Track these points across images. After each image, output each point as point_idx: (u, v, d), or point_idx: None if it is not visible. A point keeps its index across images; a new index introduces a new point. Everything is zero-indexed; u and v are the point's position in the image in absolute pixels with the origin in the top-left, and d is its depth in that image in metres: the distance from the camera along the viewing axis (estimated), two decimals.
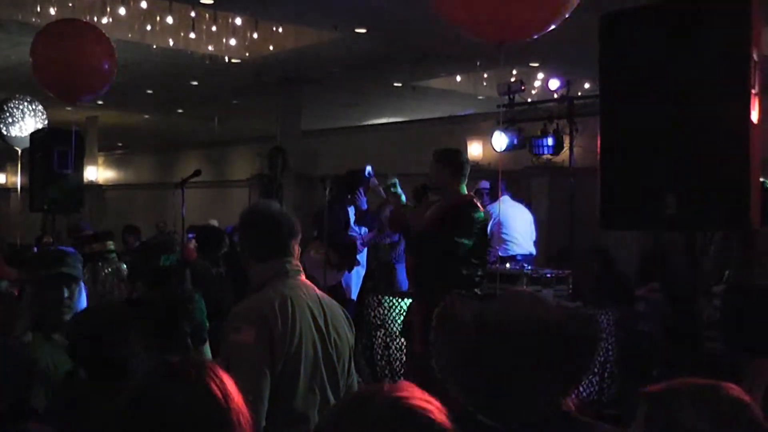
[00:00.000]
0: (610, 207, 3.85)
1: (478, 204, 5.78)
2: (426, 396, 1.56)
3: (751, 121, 3.43)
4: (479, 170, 13.48)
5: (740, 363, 7.07)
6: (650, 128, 3.63)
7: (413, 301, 6.03)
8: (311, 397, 3.13)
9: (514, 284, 6.85)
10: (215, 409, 1.74)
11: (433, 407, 1.54)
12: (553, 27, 4.58)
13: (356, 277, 8.66)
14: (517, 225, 9.67)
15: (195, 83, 16.65)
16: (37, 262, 3.91)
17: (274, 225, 3.26)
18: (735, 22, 3.46)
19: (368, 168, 8.54)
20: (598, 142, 3.93)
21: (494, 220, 8.61)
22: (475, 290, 5.73)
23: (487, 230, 5.99)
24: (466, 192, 5.76)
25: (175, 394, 1.73)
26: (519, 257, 9.27)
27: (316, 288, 3.37)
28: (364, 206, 8.50)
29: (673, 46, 3.56)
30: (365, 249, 8.69)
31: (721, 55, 3.46)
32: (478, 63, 12.47)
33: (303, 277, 3.31)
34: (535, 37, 4.70)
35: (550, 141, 9.90)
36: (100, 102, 17.30)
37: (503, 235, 9.39)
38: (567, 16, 4.53)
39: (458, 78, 16.54)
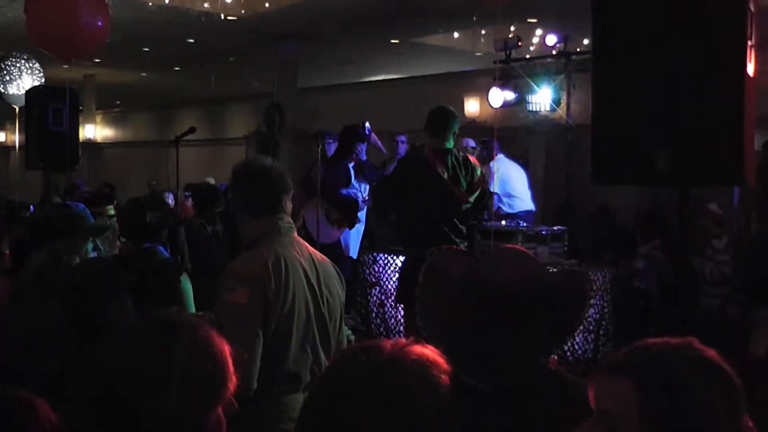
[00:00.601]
0: (602, 162, 3.84)
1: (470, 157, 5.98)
2: (425, 351, 1.51)
3: (747, 74, 3.41)
4: (476, 127, 13.47)
5: (743, 318, 7.14)
6: (643, 82, 3.60)
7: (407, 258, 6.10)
8: (303, 357, 3.15)
9: (509, 241, 6.83)
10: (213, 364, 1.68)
11: (432, 364, 1.49)
12: None
13: (356, 235, 8.67)
14: (517, 183, 9.65)
15: (191, 41, 16.52)
16: None
17: (266, 180, 3.24)
18: None
19: (367, 124, 8.53)
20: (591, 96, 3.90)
21: (499, 178, 8.57)
22: (463, 244, 5.87)
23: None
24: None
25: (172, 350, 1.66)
26: (522, 213, 9.27)
27: (308, 245, 3.37)
28: (364, 157, 8.51)
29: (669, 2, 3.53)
30: (365, 206, 8.70)
31: (717, 6, 3.42)
32: (474, 18, 12.34)
33: (295, 234, 3.32)
34: None
35: (547, 97, 9.85)
36: (97, 60, 17.17)
37: (510, 191, 9.39)
38: None
39: (456, 35, 16.40)
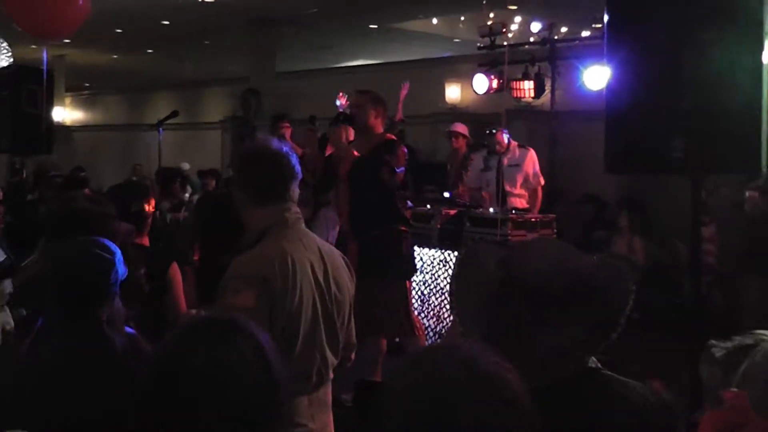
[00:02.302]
0: (615, 151, 3.75)
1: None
2: (498, 359, 1.50)
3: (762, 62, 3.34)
4: (458, 114, 13.38)
5: (726, 304, 7.13)
6: (657, 70, 3.52)
7: (347, 238, 6.04)
8: (310, 358, 2.99)
9: (498, 228, 6.77)
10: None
11: (509, 373, 1.49)
12: None
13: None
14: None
15: (166, 22, 16.28)
16: None
17: (275, 165, 3.04)
18: None
19: (337, 101, 8.43)
20: (602, 84, 3.80)
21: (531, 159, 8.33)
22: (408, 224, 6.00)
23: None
24: None
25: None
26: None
27: (315, 237, 3.21)
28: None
29: None
30: None
31: None
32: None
33: (303, 224, 3.15)
34: None
35: (531, 84, 9.78)
36: (67, 40, 16.87)
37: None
38: None
39: (434, 20, 16.31)
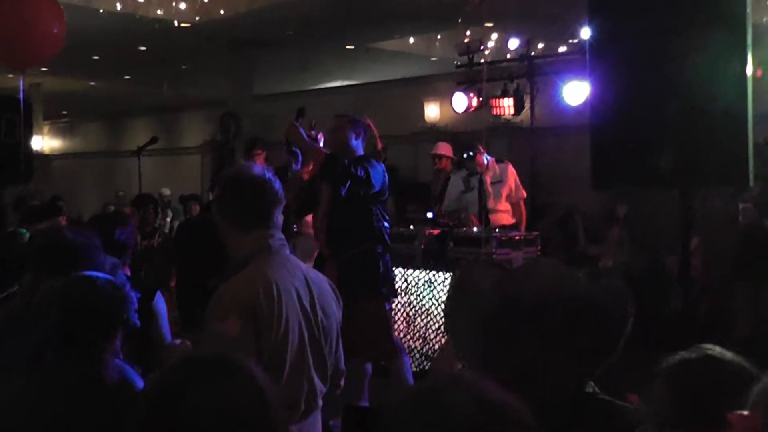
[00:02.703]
0: (602, 165, 3.73)
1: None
2: (503, 390, 1.47)
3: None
4: (438, 132, 13.39)
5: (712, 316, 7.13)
6: (640, 83, 3.51)
7: (325, 261, 5.92)
8: (297, 386, 2.95)
9: (482, 247, 6.75)
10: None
11: (517, 403, 1.46)
12: None
13: None
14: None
15: (143, 48, 16.24)
16: None
17: (258, 191, 3.00)
18: None
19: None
20: (587, 97, 3.79)
21: (511, 173, 8.34)
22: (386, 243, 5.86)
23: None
24: None
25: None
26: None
27: (301, 264, 3.17)
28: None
29: None
30: None
31: (716, 6, 3.34)
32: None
33: (287, 251, 3.11)
34: None
35: (510, 101, 9.78)
36: (44, 69, 16.77)
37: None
38: None
39: (411, 39, 16.35)
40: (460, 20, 11.74)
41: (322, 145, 6.36)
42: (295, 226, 6.40)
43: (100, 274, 2.84)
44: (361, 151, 5.94)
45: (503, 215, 8.11)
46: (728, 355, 1.85)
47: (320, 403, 3.09)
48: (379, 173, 5.73)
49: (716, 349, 1.87)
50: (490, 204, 8.15)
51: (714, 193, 7.11)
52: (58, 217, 7.14)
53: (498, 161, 8.36)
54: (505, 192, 8.20)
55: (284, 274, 3.00)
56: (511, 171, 8.30)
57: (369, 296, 5.74)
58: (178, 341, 3.38)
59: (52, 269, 3.19)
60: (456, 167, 9.13)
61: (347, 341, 5.41)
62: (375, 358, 6.06)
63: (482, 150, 8.39)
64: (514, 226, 7.80)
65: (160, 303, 4.49)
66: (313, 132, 7.73)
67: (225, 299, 2.91)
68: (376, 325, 5.78)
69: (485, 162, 8.24)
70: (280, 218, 3.06)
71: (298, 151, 5.70)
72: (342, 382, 3.31)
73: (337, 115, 6.08)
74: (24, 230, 4.59)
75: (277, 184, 3.05)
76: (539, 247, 7.28)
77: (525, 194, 8.36)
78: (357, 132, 5.92)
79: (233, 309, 2.85)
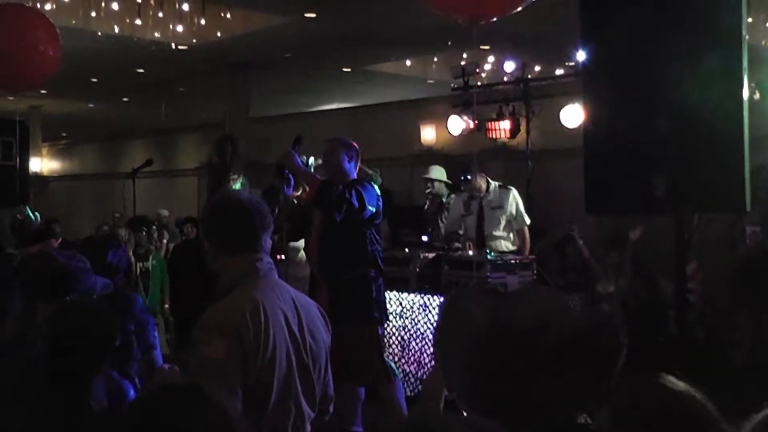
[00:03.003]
0: (596, 191, 3.71)
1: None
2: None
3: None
4: (433, 155, 13.38)
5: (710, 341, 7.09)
6: (635, 107, 3.49)
7: (317, 286, 5.91)
8: (285, 411, 2.93)
9: (478, 271, 6.73)
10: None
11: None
12: (526, 3, 4.42)
13: None
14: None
15: (141, 71, 16.28)
16: None
17: (245, 215, 3.01)
18: None
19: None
20: (582, 120, 3.78)
21: (514, 199, 8.31)
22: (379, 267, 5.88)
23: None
24: None
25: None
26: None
27: (289, 288, 3.16)
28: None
29: (660, 19, 3.43)
30: None
31: (711, 28, 3.33)
32: (449, 42, 12.30)
33: (276, 274, 3.11)
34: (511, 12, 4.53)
35: (507, 124, 9.79)
36: (43, 91, 16.83)
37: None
38: None
39: (408, 62, 16.40)
40: (450, 43, 11.77)
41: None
42: (280, 255, 6.37)
43: (89, 301, 2.84)
44: (354, 174, 5.95)
45: (502, 241, 8.09)
46: (681, 385, 1.82)
47: (308, 428, 3.07)
48: (373, 196, 5.74)
49: (668, 378, 1.84)
50: (487, 229, 8.14)
51: (713, 217, 7.10)
52: (52, 239, 7.14)
53: (502, 186, 8.34)
54: (503, 218, 8.18)
55: (272, 297, 2.99)
56: (514, 197, 8.29)
57: (361, 320, 5.73)
58: (167, 366, 3.37)
59: (45, 294, 3.21)
60: (458, 189, 9.13)
61: (339, 365, 5.43)
62: (367, 383, 6.03)
63: (482, 174, 8.39)
64: (505, 252, 7.77)
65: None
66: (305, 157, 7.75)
67: (211, 322, 2.90)
68: (368, 350, 5.76)
69: (484, 186, 8.23)
70: (268, 242, 3.07)
71: (290, 175, 5.71)
72: (331, 408, 3.29)
73: (330, 139, 6.10)
74: (17, 252, 4.60)
75: (266, 209, 3.06)
76: (535, 271, 7.24)
77: (528, 221, 8.34)
78: (350, 155, 5.94)
79: (219, 332, 2.83)
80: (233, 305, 2.91)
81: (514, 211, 8.24)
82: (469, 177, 8.28)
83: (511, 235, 8.29)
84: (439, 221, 9.17)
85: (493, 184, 8.40)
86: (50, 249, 6.67)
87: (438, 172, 9.84)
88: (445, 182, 9.81)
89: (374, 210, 5.74)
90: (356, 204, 5.53)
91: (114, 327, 2.83)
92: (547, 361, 1.91)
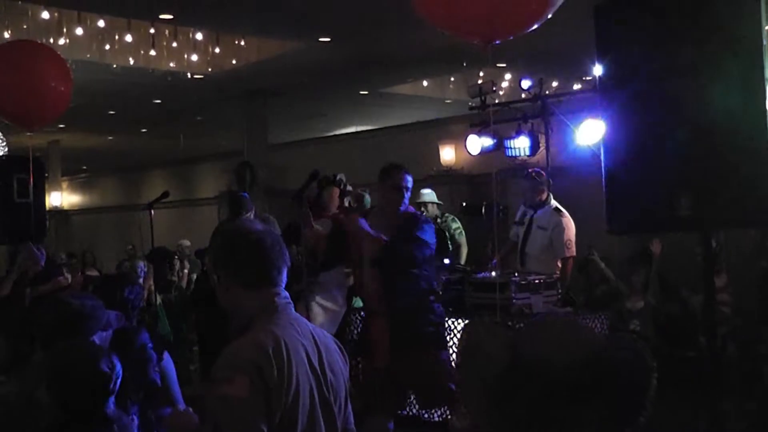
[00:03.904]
0: (618, 209, 3.58)
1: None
2: None
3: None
4: (453, 175, 13.29)
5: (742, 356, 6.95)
6: (655, 123, 3.37)
7: (374, 316, 5.92)
8: None
9: (502, 293, 6.57)
10: None
11: None
12: (541, 22, 4.32)
13: None
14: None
15: (158, 101, 16.34)
16: None
17: (263, 248, 2.91)
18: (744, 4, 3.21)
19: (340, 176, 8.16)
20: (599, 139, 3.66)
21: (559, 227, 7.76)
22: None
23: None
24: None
25: None
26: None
27: (307, 322, 3.06)
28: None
29: (677, 31, 3.31)
30: None
31: (730, 38, 3.20)
32: (464, 63, 12.24)
33: (293, 309, 3.00)
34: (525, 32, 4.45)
35: (526, 141, 9.65)
36: (61, 125, 16.92)
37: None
38: (554, 11, 4.27)
39: (425, 83, 16.35)
40: (465, 63, 11.70)
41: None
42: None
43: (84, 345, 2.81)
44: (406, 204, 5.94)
45: (539, 263, 7.69)
46: None
47: None
48: (431, 233, 5.88)
49: None
50: (528, 247, 7.90)
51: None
52: (60, 276, 7.10)
53: (556, 210, 7.94)
54: (544, 242, 7.81)
55: (292, 333, 2.89)
56: (562, 224, 7.79)
57: (428, 346, 5.77)
58: (182, 408, 3.28)
59: (63, 338, 3.19)
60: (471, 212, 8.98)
61: (421, 393, 5.54)
62: (443, 404, 6.14)
63: (542, 187, 8.05)
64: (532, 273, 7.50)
65: (168, 363, 4.42)
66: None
67: (232, 360, 2.78)
68: (440, 374, 5.73)
69: (542, 198, 7.92)
70: (285, 277, 2.96)
71: (309, 210, 5.75)
72: None
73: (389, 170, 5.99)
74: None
75: (282, 243, 2.97)
76: (559, 291, 7.06)
77: (573, 253, 7.84)
78: (384, 183, 5.95)
79: (240, 368, 2.72)
80: (254, 342, 2.80)
81: (557, 239, 7.75)
82: (534, 173, 8.08)
83: (549, 260, 7.78)
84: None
85: (553, 203, 8.03)
86: (58, 286, 6.64)
87: (429, 196, 9.69)
88: (437, 203, 9.71)
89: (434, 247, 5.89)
90: (426, 254, 5.76)
91: (110, 370, 2.74)
92: (571, 394, 1.81)
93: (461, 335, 2.06)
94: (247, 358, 2.74)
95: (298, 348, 2.86)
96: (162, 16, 11.15)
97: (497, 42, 4.41)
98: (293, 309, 3.02)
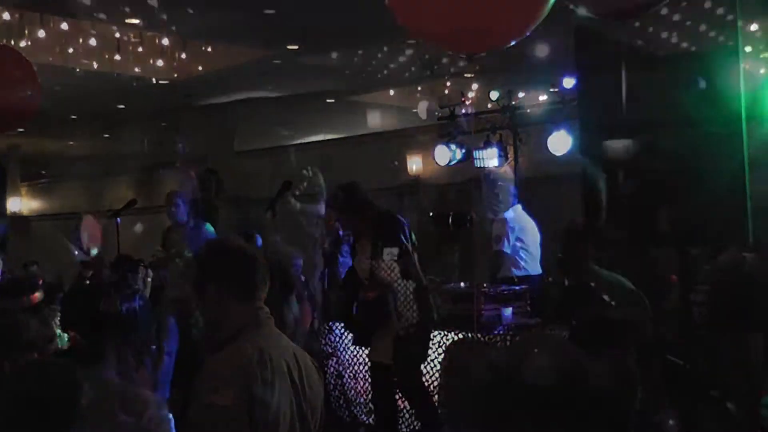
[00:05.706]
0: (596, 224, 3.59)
1: None
2: None
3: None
4: (421, 185, 13.28)
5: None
6: (634, 139, 3.38)
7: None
8: None
9: (472, 303, 6.54)
10: None
11: None
12: (527, 34, 4.30)
13: None
14: (530, 239, 8.05)
15: (122, 106, 16.15)
16: None
17: (253, 264, 3.03)
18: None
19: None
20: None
21: (513, 232, 7.80)
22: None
23: None
24: None
25: None
26: (534, 276, 7.99)
27: (285, 337, 3.13)
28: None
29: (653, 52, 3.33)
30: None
31: (705, 51, 3.23)
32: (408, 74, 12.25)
33: (273, 324, 3.04)
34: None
35: (495, 152, 9.68)
36: (21, 129, 16.65)
37: (522, 252, 7.97)
38: (538, 23, 4.25)
39: (391, 92, 16.34)
40: (428, 72, 11.74)
41: None
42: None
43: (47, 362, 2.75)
44: None
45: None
46: None
47: None
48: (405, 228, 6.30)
49: None
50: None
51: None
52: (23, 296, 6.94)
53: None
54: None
55: (275, 345, 2.99)
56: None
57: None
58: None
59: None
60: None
61: None
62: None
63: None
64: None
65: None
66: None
67: (215, 369, 2.88)
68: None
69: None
70: (265, 293, 3.06)
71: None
72: None
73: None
74: None
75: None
76: (528, 302, 7.01)
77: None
78: None
79: (225, 378, 2.81)
80: (240, 353, 2.88)
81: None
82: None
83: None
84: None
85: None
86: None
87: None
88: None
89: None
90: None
91: (74, 386, 2.67)
92: (557, 414, 1.79)
93: (444, 355, 2.04)
94: (232, 368, 2.82)
95: (281, 361, 2.93)
96: (128, 21, 11.02)
97: (482, 54, 4.40)
98: (273, 323, 3.06)
